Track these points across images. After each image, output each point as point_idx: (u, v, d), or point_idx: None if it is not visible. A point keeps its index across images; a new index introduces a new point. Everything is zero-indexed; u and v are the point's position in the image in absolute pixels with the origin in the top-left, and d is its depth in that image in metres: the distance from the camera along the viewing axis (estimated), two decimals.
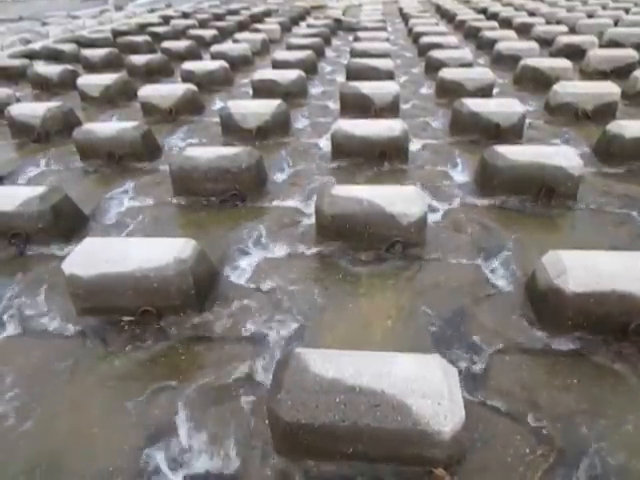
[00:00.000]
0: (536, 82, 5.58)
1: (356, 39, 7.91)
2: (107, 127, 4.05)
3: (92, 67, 7.32)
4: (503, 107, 4.19)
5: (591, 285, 2.03)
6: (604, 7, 10.96)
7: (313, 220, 2.81)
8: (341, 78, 6.14)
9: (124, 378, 2.00)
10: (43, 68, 6.63)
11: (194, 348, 2.12)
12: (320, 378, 1.57)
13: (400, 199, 2.65)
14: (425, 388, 1.53)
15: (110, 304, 2.26)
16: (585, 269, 2.09)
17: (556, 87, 4.74)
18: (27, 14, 14.90)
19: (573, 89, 4.68)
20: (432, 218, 2.98)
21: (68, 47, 8.22)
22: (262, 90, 5.36)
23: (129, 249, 2.31)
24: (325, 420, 1.51)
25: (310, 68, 6.34)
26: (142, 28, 10.16)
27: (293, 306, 2.34)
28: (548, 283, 2.14)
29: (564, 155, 3.16)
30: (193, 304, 2.26)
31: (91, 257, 2.28)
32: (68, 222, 3.01)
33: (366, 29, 9.01)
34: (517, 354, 2.04)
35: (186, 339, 2.17)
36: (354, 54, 6.71)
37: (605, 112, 4.52)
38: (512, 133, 4.12)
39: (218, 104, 5.36)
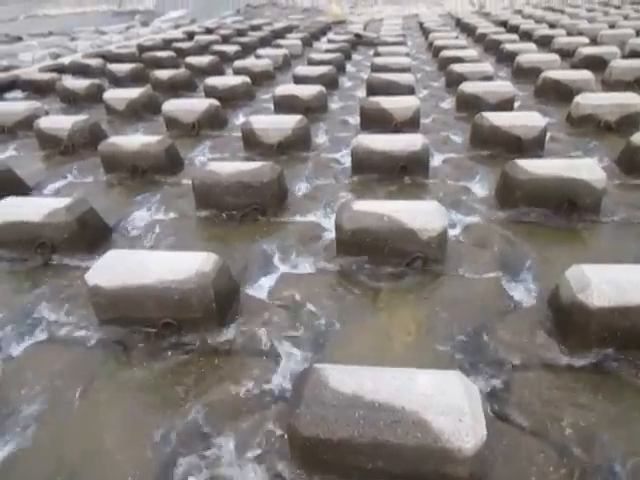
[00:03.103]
0: (557, 94, 5.54)
1: (376, 54, 7.96)
2: (132, 141, 4.14)
3: (118, 81, 7.48)
4: (524, 120, 4.17)
5: (616, 300, 2.00)
6: (626, 17, 10.87)
7: (333, 235, 2.82)
8: (361, 93, 6.18)
9: (144, 389, 2.02)
10: (71, 82, 6.80)
11: (214, 361, 2.13)
12: (339, 393, 1.57)
13: (420, 214, 2.65)
14: (446, 404, 1.52)
15: (132, 315, 2.30)
16: (609, 283, 2.06)
17: (578, 99, 4.70)
18: (57, 29, 15.33)
19: (595, 100, 4.63)
20: (453, 233, 2.97)
21: (95, 62, 8.42)
22: (283, 105, 5.41)
23: (151, 262, 2.35)
24: (344, 435, 1.50)
25: (331, 83, 6.38)
26: (167, 43, 10.35)
27: (313, 321, 2.34)
28: (571, 298, 2.11)
29: (587, 168, 3.13)
30: (214, 317, 2.28)
31: (114, 269, 2.32)
32: (92, 233, 3.07)
33: (386, 44, 9.04)
34: (539, 370, 2.01)
35: (206, 352, 2.18)
36: (374, 69, 6.74)
37: (628, 123, 4.46)
38: (534, 146, 4.09)
39: (240, 119, 5.43)
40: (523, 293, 2.47)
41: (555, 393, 1.89)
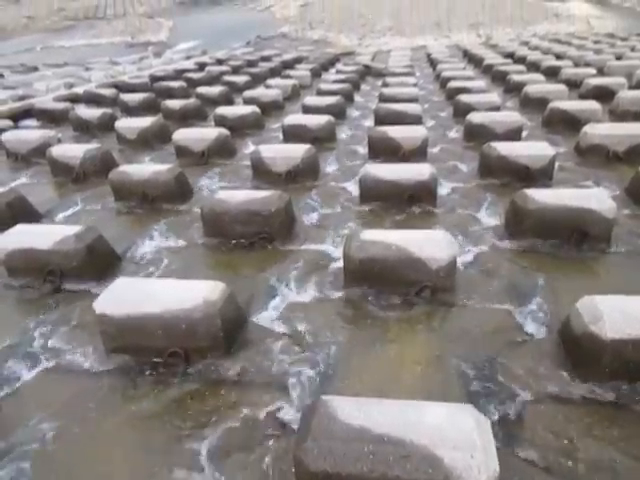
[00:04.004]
0: (565, 124, 5.57)
1: (384, 84, 8.06)
2: (142, 169, 4.18)
3: (130, 111, 7.61)
4: (532, 150, 4.18)
5: (629, 331, 1.97)
6: (632, 49, 10.98)
7: (341, 264, 2.81)
8: (369, 123, 6.24)
9: (150, 418, 2.00)
10: (84, 111, 6.93)
11: (220, 391, 2.11)
12: (348, 426, 1.55)
13: (429, 243, 2.64)
14: (457, 439, 1.48)
15: (139, 344, 2.29)
16: (622, 314, 2.03)
17: (586, 129, 4.72)
18: (72, 60, 15.72)
19: (604, 130, 4.65)
20: (462, 262, 2.95)
21: (108, 91, 8.59)
22: (292, 134, 5.47)
23: (159, 290, 2.35)
24: (353, 470, 1.47)
25: (339, 113, 6.46)
26: (178, 74, 10.56)
27: (321, 351, 2.32)
28: (584, 329, 2.08)
29: (596, 197, 3.12)
30: (221, 346, 2.26)
31: (122, 297, 2.32)
32: (101, 261, 3.08)
33: (394, 74, 9.18)
34: (552, 403, 1.97)
35: (213, 382, 2.16)
36: (382, 99, 6.82)
37: (637, 153, 4.46)
38: (542, 176, 4.10)
39: (249, 148, 5.49)
40: (534, 324, 2.44)
41: (568, 427, 1.85)
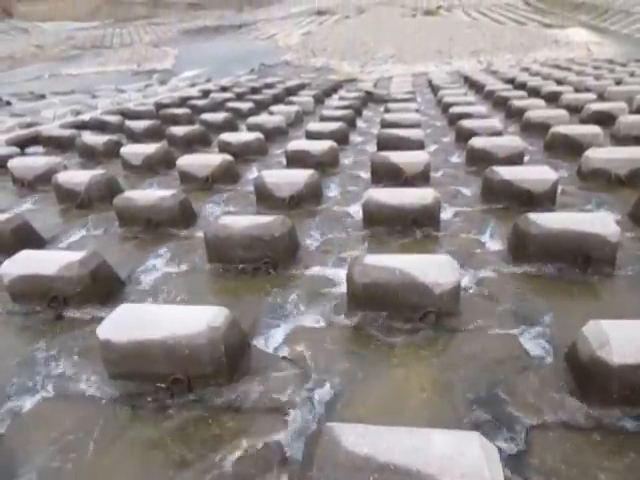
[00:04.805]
0: (567, 149, 5.60)
1: (387, 110, 8.15)
2: (146, 195, 4.21)
3: (135, 137, 7.69)
4: (535, 174, 4.20)
5: (636, 356, 1.95)
6: (632, 74, 11.09)
7: (345, 289, 2.80)
8: (372, 148, 6.29)
9: (153, 447, 1.97)
10: (90, 138, 7.01)
11: (223, 418, 2.09)
12: (353, 454, 1.52)
13: (433, 268, 2.64)
14: (464, 467, 1.46)
15: (142, 370, 2.27)
16: (629, 339, 2.01)
17: (588, 153, 4.74)
18: (79, 88, 15.99)
19: (605, 154, 4.67)
20: (466, 287, 2.94)
21: (114, 118, 8.70)
22: (295, 160, 5.51)
23: (162, 316, 2.34)
24: None
25: (342, 138, 6.51)
26: (183, 101, 10.69)
27: (325, 377, 2.30)
28: (591, 354, 2.06)
29: (600, 221, 3.12)
30: (224, 373, 2.25)
31: (125, 323, 2.32)
32: (105, 287, 3.09)
33: (396, 100, 9.28)
34: (561, 430, 1.94)
35: (216, 409, 2.14)
36: (385, 124, 6.89)
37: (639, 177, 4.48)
38: (545, 200, 4.11)
39: (253, 173, 5.53)
40: (540, 349, 2.42)
41: (577, 455, 1.82)
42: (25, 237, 3.82)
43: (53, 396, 2.29)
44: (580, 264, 3.06)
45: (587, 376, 2.08)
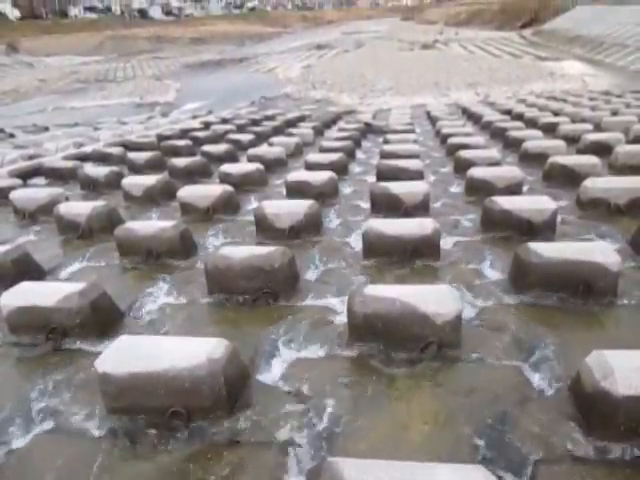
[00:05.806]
0: (565, 178, 5.63)
1: (385, 141, 8.23)
2: (147, 225, 4.23)
3: (137, 169, 7.74)
4: (534, 204, 4.22)
5: None
6: (627, 105, 11.24)
7: (345, 319, 2.79)
8: (371, 178, 6.33)
9: None
10: (91, 169, 7.07)
11: (223, 453, 2.05)
12: None
13: (433, 298, 2.63)
14: None
15: (141, 404, 2.24)
16: (634, 370, 1.99)
17: (586, 183, 4.77)
18: (82, 120, 16.21)
19: (604, 184, 4.70)
20: (467, 317, 2.92)
21: (116, 150, 8.78)
22: (295, 190, 5.54)
23: (162, 348, 2.32)
24: None
25: (341, 169, 6.55)
26: (184, 133, 10.81)
27: (325, 409, 2.26)
28: (595, 385, 2.03)
29: (601, 250, 3.13)
30: (224, 406, 2.22)
31: (124, 355, 2.30)
32: (105, 318, 3.07)
33: (395, 131, 9.38)
34: (566, 463, 1.91)
35: (214, 443, 2.11)
36: (384, 155, 6.94)
37: (638, 205, 4.50)
38: (545, 229, 4.12)
39: (253, 204, 5.55)
40: (542, 380, 2.39)
41: None
42: (25, 268, 3.82)
43: (50, 431, 2.26)
44: (581, 293, 3.05)
45: (592, 407, 2.05)
